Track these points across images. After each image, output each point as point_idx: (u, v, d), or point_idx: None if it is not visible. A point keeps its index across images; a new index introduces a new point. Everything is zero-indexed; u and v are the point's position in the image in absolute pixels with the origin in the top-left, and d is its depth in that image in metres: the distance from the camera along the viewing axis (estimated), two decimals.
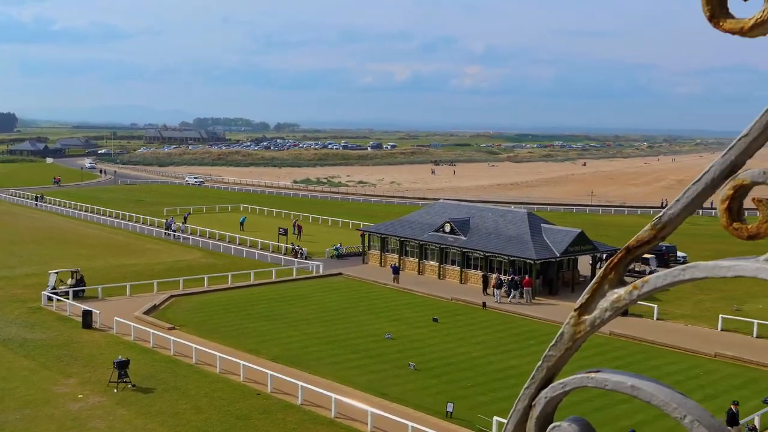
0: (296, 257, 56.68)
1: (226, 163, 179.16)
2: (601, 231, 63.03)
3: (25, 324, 37.96)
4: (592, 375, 1.36)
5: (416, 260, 52.76)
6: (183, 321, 38.99)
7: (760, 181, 1.25)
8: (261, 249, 60.79)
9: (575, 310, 1.41)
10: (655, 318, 40.15)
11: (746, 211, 1.31)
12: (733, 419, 24.03)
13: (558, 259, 46.72)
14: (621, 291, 1.37)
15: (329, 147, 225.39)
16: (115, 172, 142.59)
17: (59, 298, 41.49)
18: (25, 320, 38.67)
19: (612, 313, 1.38)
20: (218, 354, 31.41)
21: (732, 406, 24.39)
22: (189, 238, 65.99)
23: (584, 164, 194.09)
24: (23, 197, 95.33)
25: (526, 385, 1.45)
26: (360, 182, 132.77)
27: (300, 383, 27.86)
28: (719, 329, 38.30)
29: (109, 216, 78.41)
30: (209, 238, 65.93)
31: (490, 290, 45.83)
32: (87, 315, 37.50)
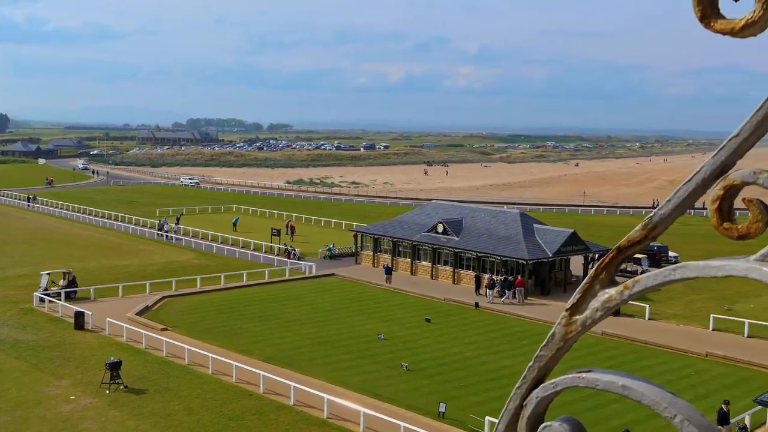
0: (289, 258, 56.62)
1: (219, 163, 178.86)
2: (594, 231, 63.22)
3: (17, 325, 37.77)
4: (583, 375, 1.36)
5: (409, 261, 52.79)
6: (175, 322, 38.88)
7: (750, 181, 1.25)
8: (254, 250, 60.69)
9: (566, 310, 1.41)
10: (647, 318, 40.31)
11: (737, 212, 1.31)
12: (724, 418, 24.15)
13: (550, 260, 46.84)
14: (612, 291, 1.37)
15: (322, 148, 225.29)
16: (108, 172, 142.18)
17: (51, 299, 41.31)
18: (16, 321, 38.48)
19: (603, 313, 1.38)
20: (211, 355, 31.34)
21: (723, 406, 24.50)
22: (182, 239, 65.82)
23: (577, 165, 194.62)
24: (15, 198, 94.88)
25: (517, 385, 1.45)
26: (353, 183, 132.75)
27: (292, 384, 27.82)
28: (710, 329, 38.48)
29: (102, 217, 78.13)
30: (202, 238, 65.78)
31: (482, 290, 45.89)
32: (79, 316, 37.36)
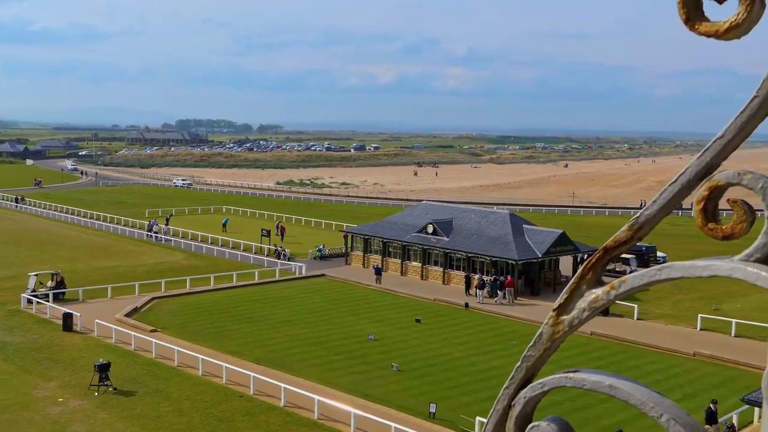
0: (279, 258, 56.51)
1: (209, 164, 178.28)
2: (583, 232, 63.47)
3: (4, 327, 37.48)
4: (571, 375, 1.37)
5: (399, 261, 52.81)
6: (165, 323, 38.71)
7: (734, 182, 1.26)
8: (244, 250, 60.53)
9: (554, 310, 1.42)
10: (635, 318, 40.51)
11: (724, 212, 1.32)
12: (711, 417, 24.30)
13: (540, 260, 46.99)
14: (599, 291, 1.38)
15: (312, 148, 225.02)
16: (97, 173, 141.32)
17: (39, 300, 41.02)
18: (4, 323, 38.18)
19: (590, 313, 1.38)
20: (200, 356, 31.22)
21: (711, 405, 24.66)
22: (171, 240, 65.53)
23: (566, 166, 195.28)
24: (3, 199, 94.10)
25: (505, 386, 1.46)
26: (343, 184, 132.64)
27: (283, 385, 27.77)
28: (698, 329, 38.73)
29: (90, 218, 77.69)
30: (191, 239, 65.54)
31: (472, 291, 45.97)
32: (67, 318, 37.12)
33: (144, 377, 30.43)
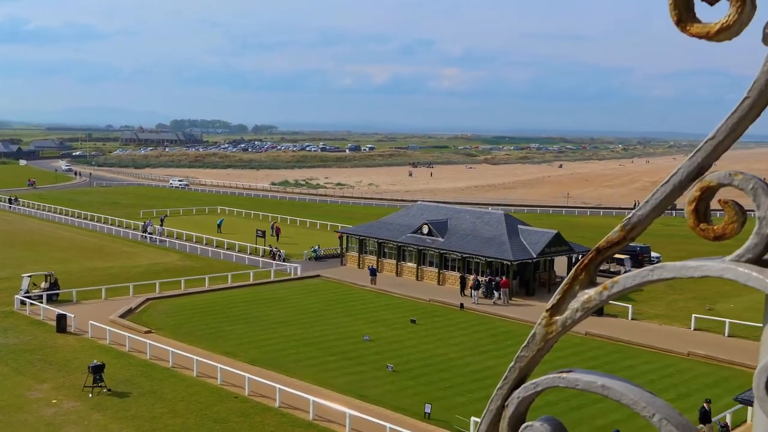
0: (274, 259, 56.44)
1: (204, 165, 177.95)
2: (577, 232, 63.60)
3: None
4: (564, 375, 1.37)
5: (394, 262, 52.81)
6: (159, 324, 38.62)
7: (725, 183, 1.27)
8: (238, 251, 60.44)
9: (547, 310, 1.42)
10: (629, 318, 40.61)
11: (718, 213, 1.33)
12: (705, 417, 24.39)
13: (535, 260, 47.06)
14: (591, 291, 1.38)
15: (307, 149, 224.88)
16: (90, 174, 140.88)
17: (33, 302, 40.87)
18: None
19: (583, 313, 1.39)
20: (195, 357, 31.16)
21: (705, 404, 24.76)
22: (165, 241, 65.38)
23: (560, 166, 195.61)
24: None
25: (498, 386, 1.46)
26: (338, 184, 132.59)
27: (278, 386, 27.74)
28: (692, 329, 38.85)
29: (84, 218, 77.44)
30: (186, 240, 65.41)
31: (467, 291, 46.01)
32: (61, 319, 36.99)
33: (138, 378, 30.35)
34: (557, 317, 1.41)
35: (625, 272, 1.35)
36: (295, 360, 33.05)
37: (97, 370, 28.54)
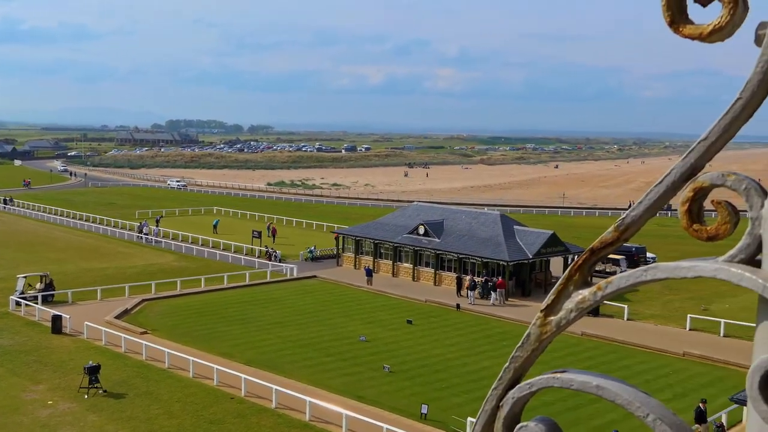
0: (270, 260, 56.39)
1: (199, 165, 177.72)
2: (573, 232, 63.68)
3: None
4: (558, 375, 1.38)
5: (390, 262, 52.80)
6: (155, 325, 38.54)
7: (718, 183, 1.27)
8: (234, 252, 60.36)
9: (541, 311, 1.43)
10: (625, 318, 40.68)
11: (712, 213, 1.33)
12: (701, 417, 24.44)
13: (531, 261, 47.11)
14: (585, 292, 1.39)
15: (303, 149, 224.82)
16: (86, 174, 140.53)
17: (28, 302, 40.75)
18: None
19: (577, 313, 1.39)
20: (191, 358, 31.11)
21: (700, 404, 24.79)
22: (161, 242, 65.25)
23: (556, 167, 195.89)
24: None
25: (493, 386, 1.46)
26: (334, 185, 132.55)
27: (274, 387, 27.71)
28: (688, 329, 38.94)
29: (80, 219, 77.25)
30: (182, 241, 65.29)
31: (463, 292, 46.02)
32: (56, 320, 36.89)
33: (134, 379, 30.28)
34: (552, 317, 1.41)
35: (621, 273, 1.35)
36: (291, 361, 33.02)
37: (93, 371, 28.46)
